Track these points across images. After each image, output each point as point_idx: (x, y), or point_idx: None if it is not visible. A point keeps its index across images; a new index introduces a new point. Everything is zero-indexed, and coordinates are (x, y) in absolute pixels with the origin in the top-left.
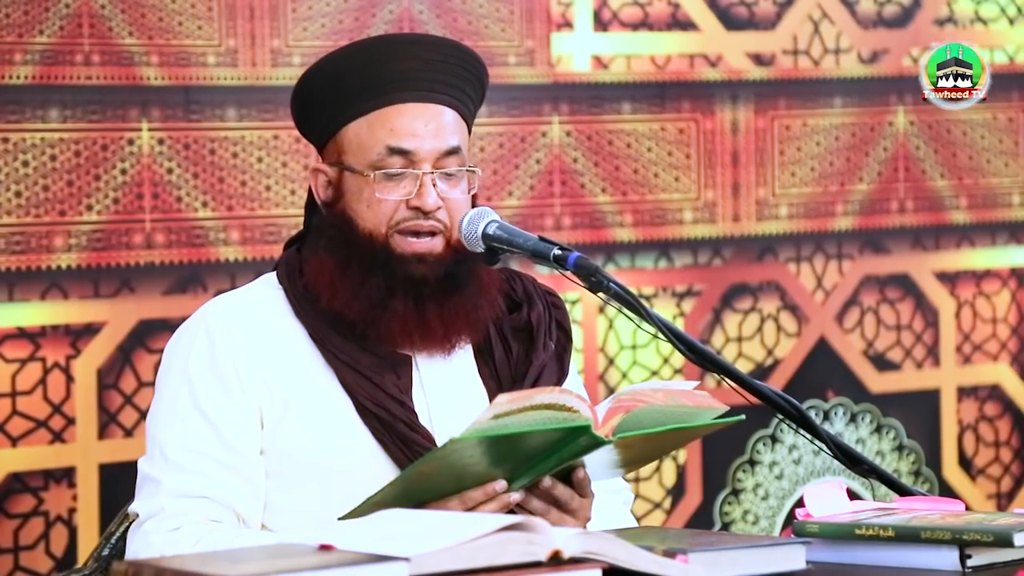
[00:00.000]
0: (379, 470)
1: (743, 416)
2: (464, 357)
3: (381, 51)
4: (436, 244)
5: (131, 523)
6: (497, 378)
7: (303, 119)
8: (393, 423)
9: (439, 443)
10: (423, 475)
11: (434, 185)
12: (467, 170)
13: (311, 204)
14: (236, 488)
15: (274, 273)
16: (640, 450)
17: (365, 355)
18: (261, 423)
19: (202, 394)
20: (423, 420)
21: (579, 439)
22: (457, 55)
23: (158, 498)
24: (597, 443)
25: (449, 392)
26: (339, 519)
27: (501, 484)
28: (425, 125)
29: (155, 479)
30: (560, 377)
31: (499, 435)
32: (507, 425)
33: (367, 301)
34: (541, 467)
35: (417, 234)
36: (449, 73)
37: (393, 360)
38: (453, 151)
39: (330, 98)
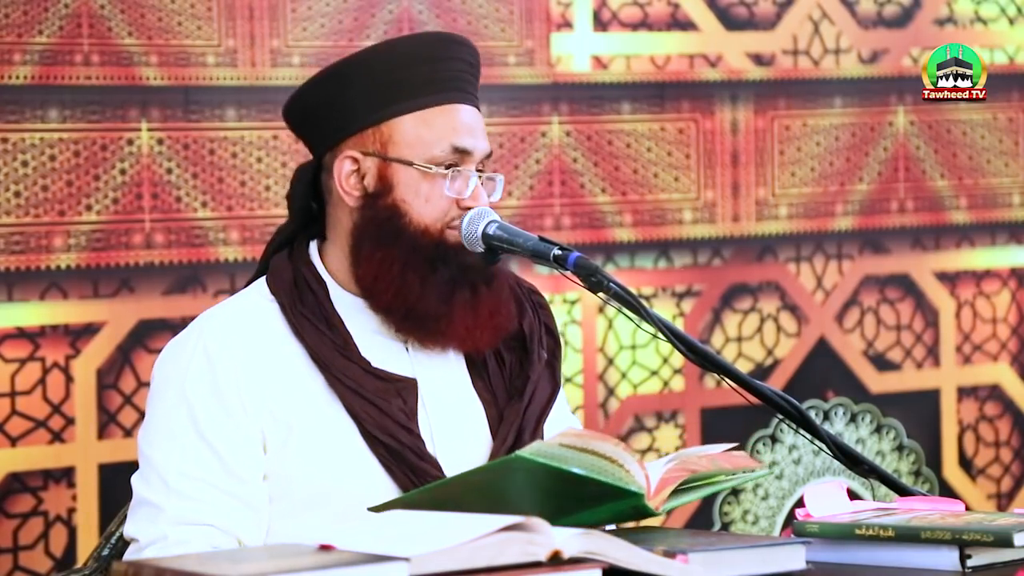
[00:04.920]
0: (386, 497)
1: (770, 471)
2: (458, 371)
3: (437, 48)
4: None
5: (128, 546)
6: (492, 392)
7: (336, 102)
8: (402, 451)
9: (444, 468)
10: (467, 484)
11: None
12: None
13: (314, 197)
14: (239, 515)
15: (263, 280)
16: None
17: (369, 378)
18: (264, 447)
19: (203, 418)
20: (427, 442)
21: (628, 501)
22: (477, 58)
23: (159, 526)
24: (644, 513)
25: (450, 412)
26: (368, 509)
27: None
28: (476, 127)
29: (156, 505)
30: (553, 391)
31: (561, 469)
32: (569, 459)
33: (435, 294)
34: (580, 518)
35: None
36: (476, 76)
37: (398, 384)
38: (489, 155)
39: (379, 87)
